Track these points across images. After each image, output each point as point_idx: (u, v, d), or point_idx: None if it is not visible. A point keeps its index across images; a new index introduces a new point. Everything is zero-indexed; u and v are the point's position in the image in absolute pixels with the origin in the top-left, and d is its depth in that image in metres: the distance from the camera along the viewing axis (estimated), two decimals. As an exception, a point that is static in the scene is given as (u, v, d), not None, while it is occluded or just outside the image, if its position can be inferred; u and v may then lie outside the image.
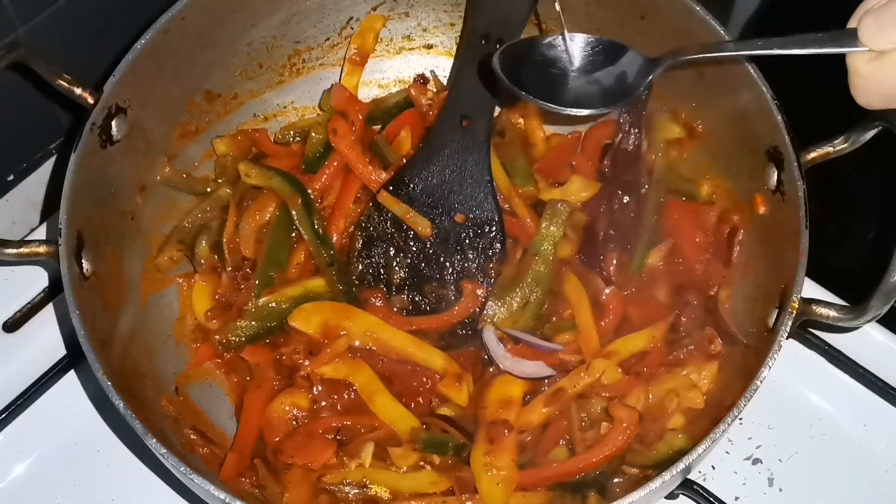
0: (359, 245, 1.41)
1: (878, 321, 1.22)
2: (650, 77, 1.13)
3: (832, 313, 1.16)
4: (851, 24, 0.96)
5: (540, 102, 1.13)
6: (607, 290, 1.36)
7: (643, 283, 1.38)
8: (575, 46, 1.16)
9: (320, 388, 1.30)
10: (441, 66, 1.55)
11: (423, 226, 1.40)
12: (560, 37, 1.16)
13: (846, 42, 0.95)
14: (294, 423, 1.29)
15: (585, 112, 1.13)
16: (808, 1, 1.68)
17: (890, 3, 0.93)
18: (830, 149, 1.23)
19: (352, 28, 1.51)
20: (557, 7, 1.20)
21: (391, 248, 1.41)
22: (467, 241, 1.40)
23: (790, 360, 1.39)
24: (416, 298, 1.40)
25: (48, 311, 1.46)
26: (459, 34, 1.53)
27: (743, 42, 1.17)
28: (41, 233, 1.51)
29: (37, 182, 1.60)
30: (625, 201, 1.39)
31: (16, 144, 1.55)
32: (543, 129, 1.51)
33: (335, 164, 1.44)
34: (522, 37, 1.36)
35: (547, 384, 1.30)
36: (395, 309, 1.38)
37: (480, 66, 1.36)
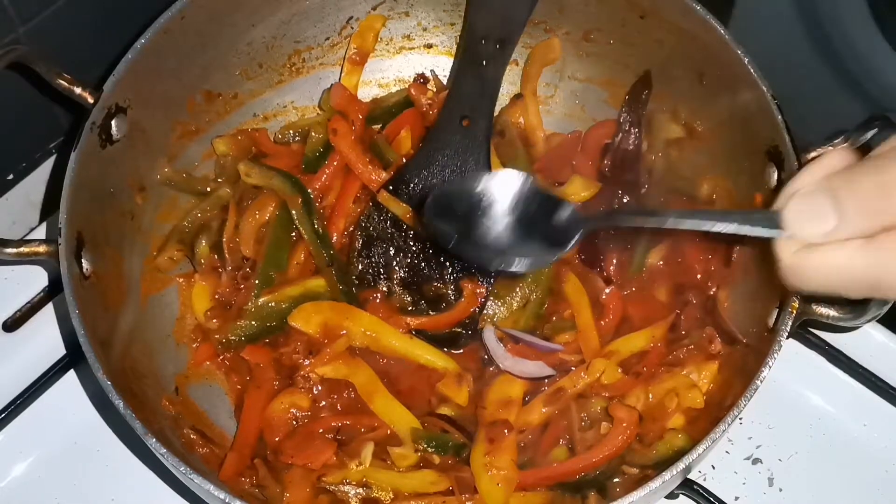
0: (359, 245, 1.41)
1: (878, 321, 1.22)
2: (578, 235, 1.04)
3: (832, 313, 1.16)
4: (777, 205, 0.84)
5: (465, 256, 1.10)
6: (607, 290, 1.36)
7: (643, 282, 1.38)
8: (507, 194, 1.08)
9: (320, 388, 1.30)
10: (441, 65, 1.55)
11: (423, 226, 1.40)
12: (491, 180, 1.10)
13: (772, 224, 0.83)
14: (294, 423, 1.29)
15: (511, 269, 1.07)
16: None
17: (816, 192, 0.81)
18: (830, 149, 1.23)
19: (352, 28, 1.51)
20: None
21: (391, 248, 1.41)
22: (467, 241, 1.40)
23: (790, 360, 1.39)
24: (416, 298, 1.40)
25: (48, 311, 1.46)
26: (459, 34, 1.53)
27: (668, 213, 0.97)
28: (41, 232, 1.51)
29: (37, 182, 1.60)
30: (625, 201, 1.39)
31: (16, 144, 1.55)
32: (543, 128, 1.51)
33: (335, 163, 1.43)
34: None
35: (547, 384, 1.30)
36: (395, 309, 1.38)
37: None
